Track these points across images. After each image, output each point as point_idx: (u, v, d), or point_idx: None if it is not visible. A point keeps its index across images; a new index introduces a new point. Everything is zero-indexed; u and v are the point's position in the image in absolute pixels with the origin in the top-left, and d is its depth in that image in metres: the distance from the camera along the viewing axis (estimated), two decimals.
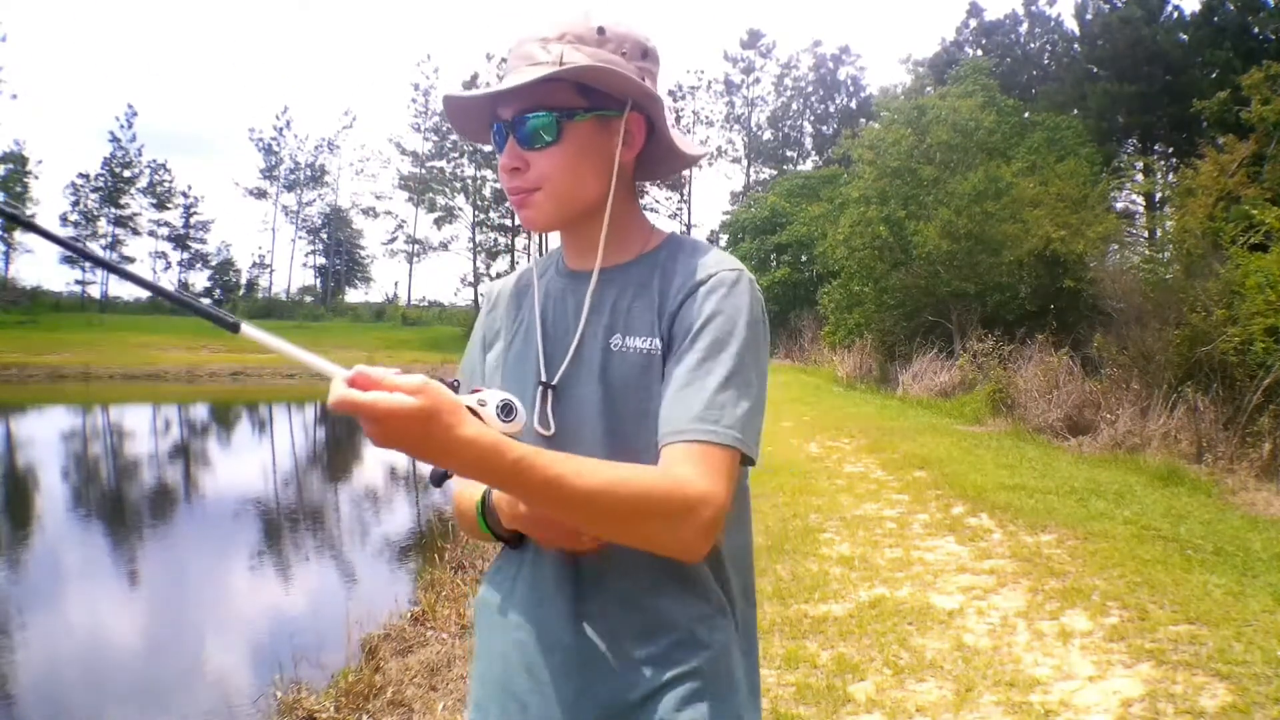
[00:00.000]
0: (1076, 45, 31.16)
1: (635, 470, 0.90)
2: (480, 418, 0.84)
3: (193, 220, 58.54)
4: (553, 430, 1.05)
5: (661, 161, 1.14)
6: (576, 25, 1.01)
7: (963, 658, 3.52)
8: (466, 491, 1.10)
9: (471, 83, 50.20)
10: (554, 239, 1.21)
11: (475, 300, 50.80)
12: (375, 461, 13.71)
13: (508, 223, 50.81)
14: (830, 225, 20.46)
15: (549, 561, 1.05)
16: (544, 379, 1.08)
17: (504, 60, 1.10)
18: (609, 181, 1.05)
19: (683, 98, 55.17)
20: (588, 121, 1.03)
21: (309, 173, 59.23)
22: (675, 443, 0.93)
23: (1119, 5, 27.07)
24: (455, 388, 0.83)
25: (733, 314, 0.99)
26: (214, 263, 59.89)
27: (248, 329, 0.80)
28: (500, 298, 1.22)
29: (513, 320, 1.17)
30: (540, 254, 1.25)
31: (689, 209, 53.08)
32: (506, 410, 0.87)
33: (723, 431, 0.93)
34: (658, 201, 51.31)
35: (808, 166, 48.81)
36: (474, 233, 52.14)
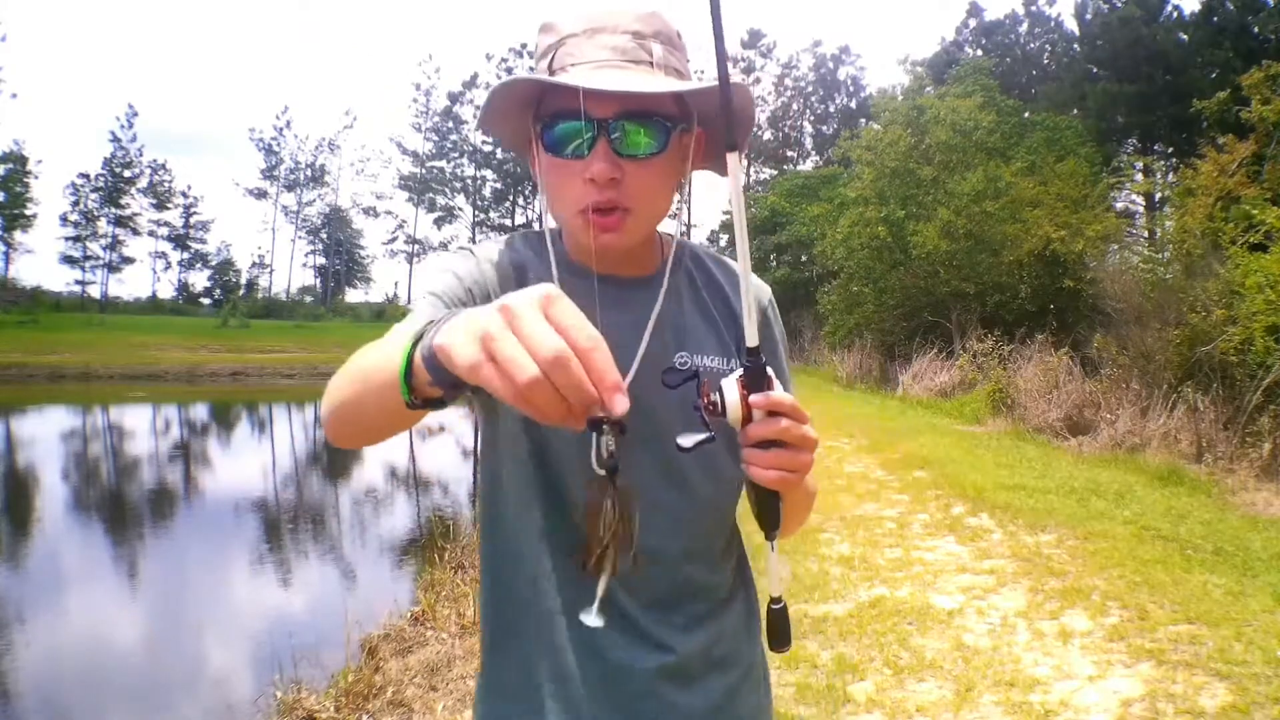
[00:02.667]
0: (1076, 45, 31.16)
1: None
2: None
3: (193, 220, 58.64)
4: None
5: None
6: (662, 26, 0.94)
7: (963, 658, 3.52)
8: (382, 345, 0.79)
9: (472, 82, 50.11)
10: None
11: None
12: (375, 461, 13.71)
13: (507, 223, 50.85)
14: (830, 225, 20.48)
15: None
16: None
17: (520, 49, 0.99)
18: (672, 201, 0.99)
19: None
20: (678, 135, 0.94)
21: (309, 173, 59.28)
22: None
23: (1119, 5, 27.05)
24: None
25: (781, 329, 1.09)
26: (214, 263, 60.02)
27: None
28: (496, 270, 0.99)
29: None
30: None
31: (689, 209, 53.14)
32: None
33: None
34: None
35: (808, 166, 48.78)
36: (474, 233, 52.19)
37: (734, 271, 1.05)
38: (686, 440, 0.82)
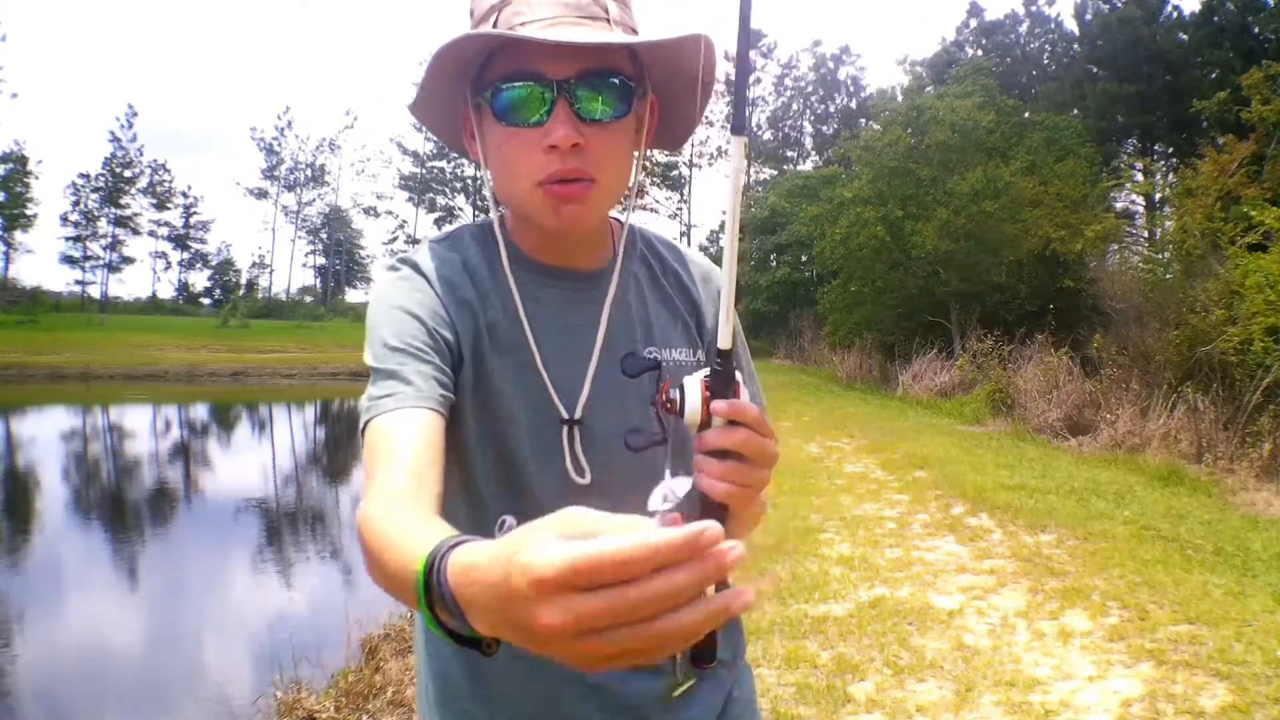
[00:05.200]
0: (1076, 45, 31.15)
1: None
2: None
3: (193, 220, 58.59)
4: (589, 478, 0.88)
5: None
6: None
7: (963, 658, 3.52)
8: (396, 539, 0.61)
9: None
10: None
11: None
12: None
13: None
14: (829, 226, 20.50)
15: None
16: (565, 414, 0.88)
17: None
18: (629, 173, 0.90)
19: None
20: (638, 99, 0.87)
21: (309, 173, 59.25)
22: None
23: (1119, 5, 27.04)
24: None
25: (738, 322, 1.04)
26: (214, 263, 59.99)
27: None
28: (439, 281, 0.89)
29: (478, 328, 0.89)
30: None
31: (689, 209, 53.21)
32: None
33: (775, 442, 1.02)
34: (658, 202, 51.37)
35: (808, 167, 48.75)
36: None
37: (686, 257, 1.01)
38: (636, 440, 0.79)
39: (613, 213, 0.97)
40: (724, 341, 0.72)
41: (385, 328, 0.84)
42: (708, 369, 0.73)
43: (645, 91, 0.88)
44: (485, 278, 0.91)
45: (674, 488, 0.51)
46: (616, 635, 0.42)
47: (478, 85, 0.86)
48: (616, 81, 0.82)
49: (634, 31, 0.86)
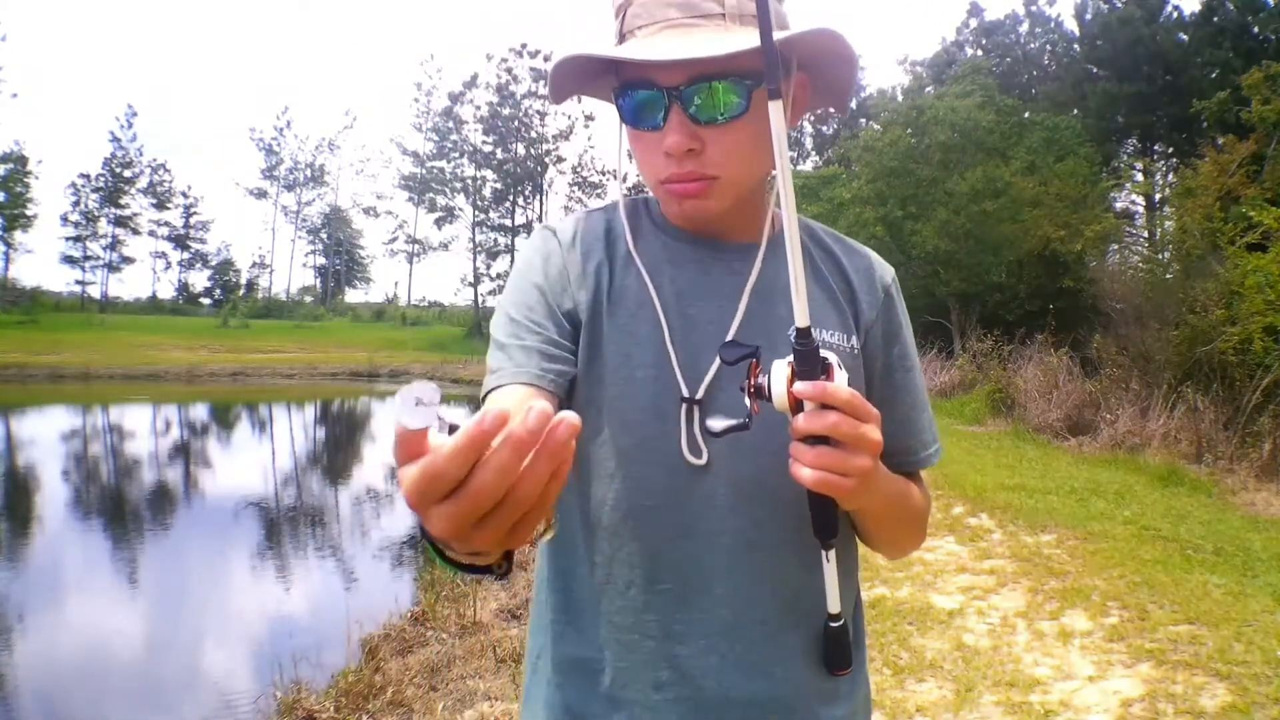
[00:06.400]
0: (1076, 45, 31.14)
1: (913, 487, 0.94)
2: None
3: (193, 220, 58.61)
4: (706, 458, 0.83)
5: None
6: None
7: (963, 658, 3.52)
8: None
9: (472, 82, 50.04)
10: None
11: (476, 300, 50.65)
12: (375, 461, 13.71)
13: (507, 223, 50.77)
14: (829, 225, 20.54)
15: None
16: (686, 392, 0.84)
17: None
18: (770, 155, 0.85)
19: None
20: (764, 90, 0.81)
21: (309, 173, 59.26)
22: (918, 468, 0.98)
23: (1119, 5, 27.02)
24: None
25: (908, 320, 0.99)
26: (214, 263, 60.02)
27: None
28: (575, 245, 0.90)
29: (600, 290, 0.88)
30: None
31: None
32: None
33: (939, 449, 1.00)
34: None
35: (808, 167, 48.75)
36: (474, 233, 52.14)
37: (857, 251, 0.97)
38: (716, 424, 0.75)
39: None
40: (801, 319, 0.69)
41: (509, 299, 0.88)
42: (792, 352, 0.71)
43: (787, 72, 0.85)
44: (624, 242, 0.91)
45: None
46: (495, 520, 0.46)
47: (615, 82, 0.87)
48: (731, 81, 0.80)
49: (756, 20, 0.84)
